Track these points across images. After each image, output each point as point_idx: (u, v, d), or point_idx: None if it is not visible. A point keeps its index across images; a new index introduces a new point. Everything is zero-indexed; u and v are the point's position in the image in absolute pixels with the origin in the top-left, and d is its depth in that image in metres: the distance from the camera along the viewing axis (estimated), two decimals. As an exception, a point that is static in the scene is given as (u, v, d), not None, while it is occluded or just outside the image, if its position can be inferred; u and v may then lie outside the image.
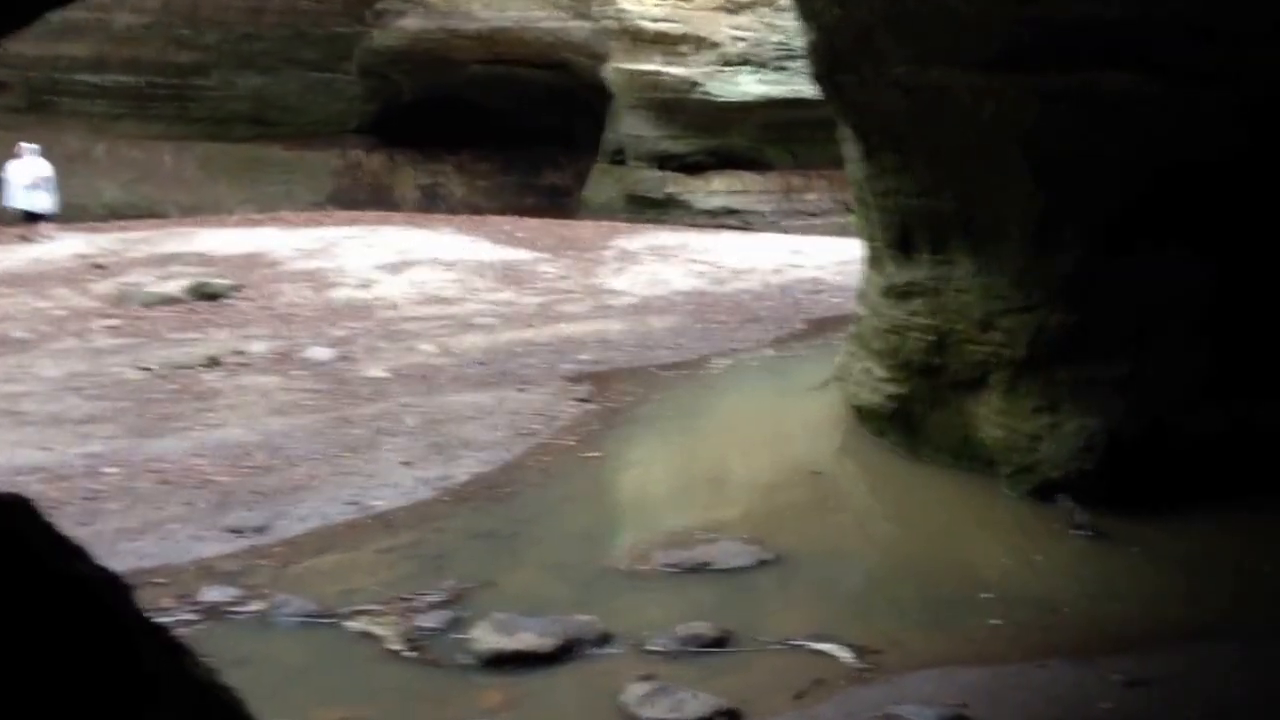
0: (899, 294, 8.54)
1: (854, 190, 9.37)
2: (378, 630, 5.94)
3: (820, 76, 8.03)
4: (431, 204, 24.92)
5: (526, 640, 5.69)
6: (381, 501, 7.86)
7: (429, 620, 6.05)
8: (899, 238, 8.48)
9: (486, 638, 5.74)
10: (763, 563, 6.80)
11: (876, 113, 7.85)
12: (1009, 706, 5.18)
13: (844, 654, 5.64)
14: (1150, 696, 5.17)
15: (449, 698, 5.42)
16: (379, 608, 6.16)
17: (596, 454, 9.02)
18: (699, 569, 6.73)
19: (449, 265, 16.53)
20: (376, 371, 11.32)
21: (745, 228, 22.22)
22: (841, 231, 20.53)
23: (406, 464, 8.58)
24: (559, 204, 25.07)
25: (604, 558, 6.99)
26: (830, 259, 17.04)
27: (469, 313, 14.11)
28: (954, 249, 8.07)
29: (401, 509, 7.77)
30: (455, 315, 13.95)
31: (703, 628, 5.85)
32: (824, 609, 6.27)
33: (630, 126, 23.66)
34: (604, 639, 5.81)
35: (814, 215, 22.93)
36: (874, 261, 9.11)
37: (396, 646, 5.77)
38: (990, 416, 7.97)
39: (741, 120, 22.86)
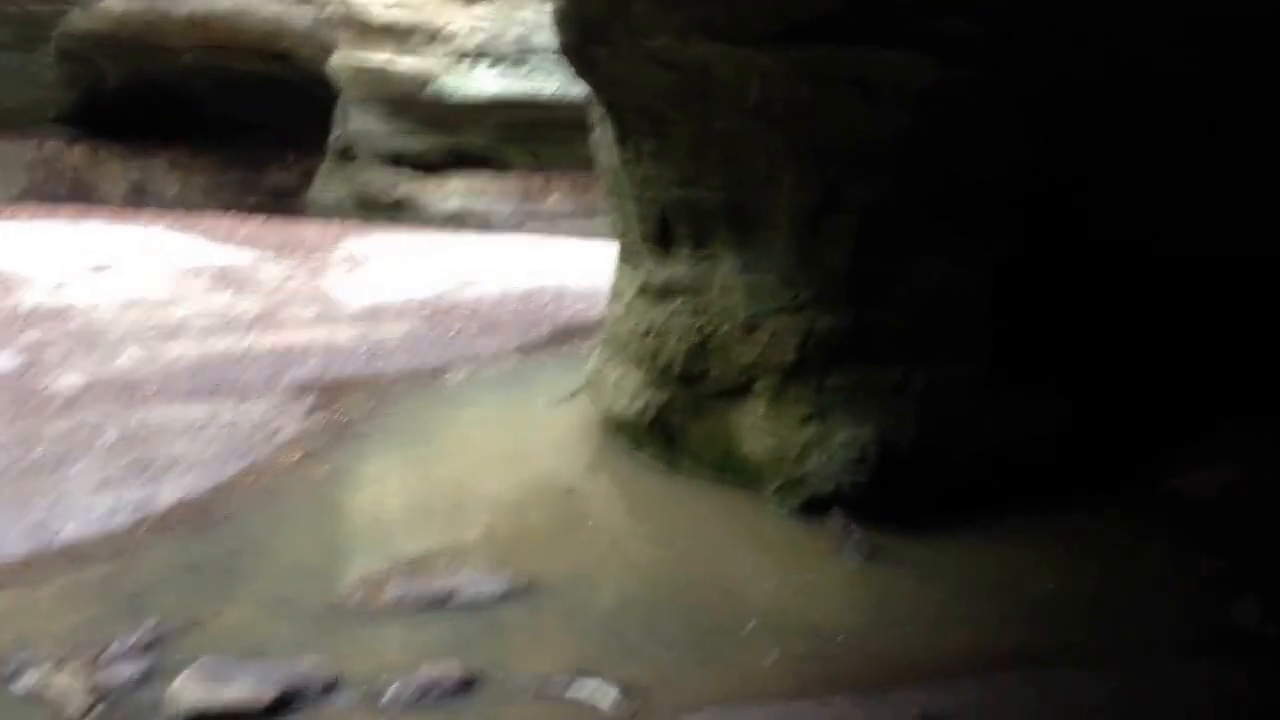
0: (657, 293, 7.99)
1: (607, 181, 8.76)
2: (54, 687, 4.97)
3: (569, 49, 7.35)
4: (140, 202, 23.03)
5: (239, 691, 4.88)
6: (68, 530, 6.80)
7: (120, 671, 5.12)
8: (657, 231, 7.92)
9: (190, 690, 4.88)
10: (512, 592, 6.09)
11: (633, 91, 7.22)
12: (795, 749, 4.64)
13: (609, 695, 5.01)
14: (948, 733, 4.74)
15: (140, 769, 4.50)
16: (58, 658, 5.18)
17: (323, 470, 8.10)
18: (440, 602, 5.96)
19: (159, 266, 15.13)
20: (69, 382, 10.03)
21: (483, 230, 21.45)
22: (585, 235, 20.14)
23: (100, 487, 7.52)
24: (284, 205, 23.63)
25: (331, 591, 6.10)
26: (574, 264, 16.53)
27: (180, 318, 12.83)
28: (718, 243, 7.57)
29: (92, 539, 6.73)
30: (164, 320, 12.65)
31: (446, 670, 5.13)
32: (583, 643, 5.58)
33: (359, 123, 22.50)
34: (332, 686, 5.03)
35: (556, 218, 22.33)
36: (629, 258, 8.53)
37: (77, 706, 4.82)
38: (756, 426, 7.50)
39: (479, 118, 22.02)
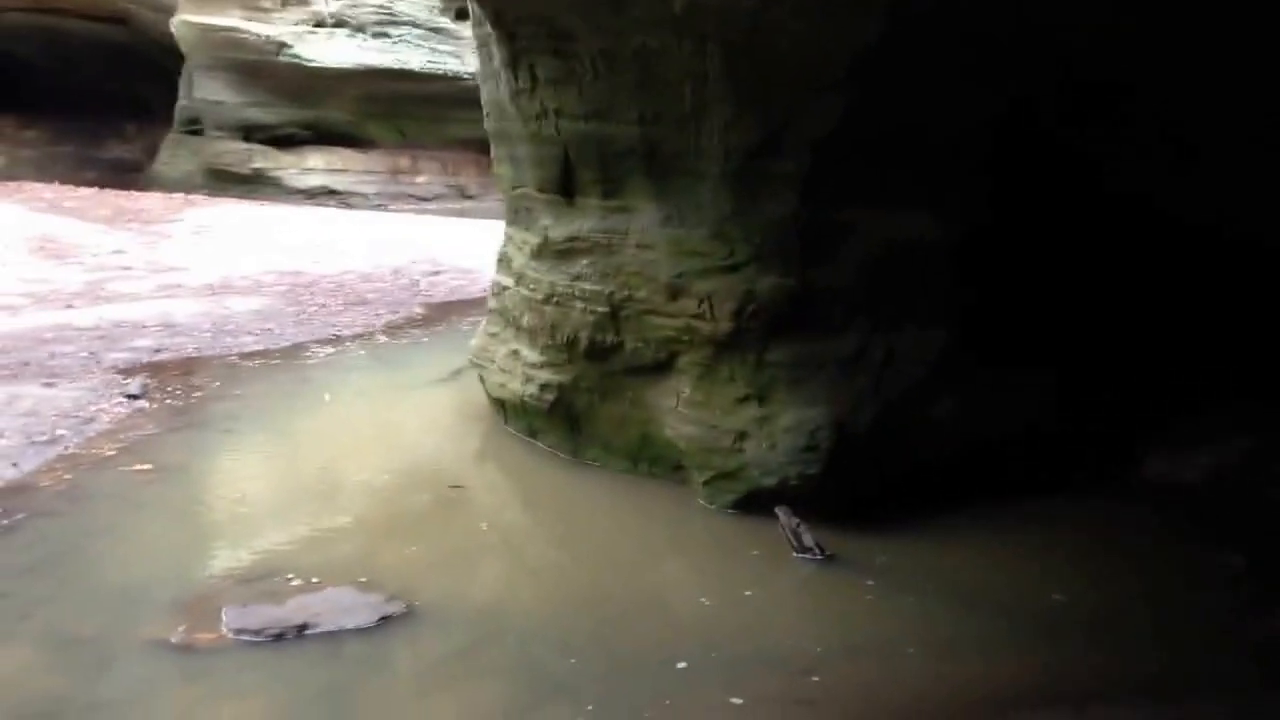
0: (557, 253, 6.66)
1: (491, 122, 7.36)
2: None
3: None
4: (-45, 175, 20.74)
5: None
6: None
7: None
8: (558, 178, 6.58)
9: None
10: (388, 619, 4.69)
11: (530, -2, 5.86)
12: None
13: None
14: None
15: None
16: None
17: (145, 466, 6.55)
18: (294, 634, 4.52)
19: (-39, 237, 13.24)
20: None
21: (347, 209, 19.87)
22: (458, 216, 18.87)
23: None
24: (126, 180, 21.57)
25: (145, 624, 4.58)
26: (449, 241, 15.24)
27: (-18, 291, 11.07)
28: (634, 191, 6.29)
29: None
30: (-39, 294, 10.89)
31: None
32: (485, 692, 4.21)
33: (207, 91, 20.64)
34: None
35: (425, 199, 20.85)
36: (521, 215, 7.17)
37: None
38: (680, 410, 6.26)
39: (339, 90, 20.42)
